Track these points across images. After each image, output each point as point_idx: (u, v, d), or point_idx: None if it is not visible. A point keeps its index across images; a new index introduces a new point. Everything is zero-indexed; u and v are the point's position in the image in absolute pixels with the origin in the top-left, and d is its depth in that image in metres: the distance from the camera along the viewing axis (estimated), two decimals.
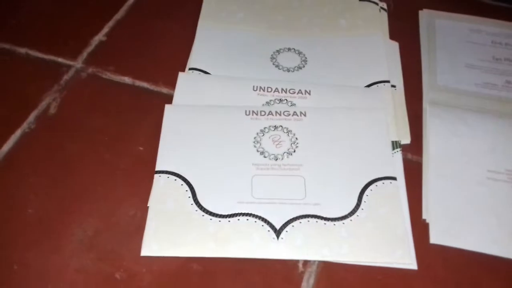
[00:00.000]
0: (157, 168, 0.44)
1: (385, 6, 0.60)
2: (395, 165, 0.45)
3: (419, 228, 0.42)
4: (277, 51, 0.55)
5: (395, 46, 0.56)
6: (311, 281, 0.39)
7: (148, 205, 0.42)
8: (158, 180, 0.43)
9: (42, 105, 0.49)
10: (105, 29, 0.57)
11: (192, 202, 0.42)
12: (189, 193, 0.43)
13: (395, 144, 0.46)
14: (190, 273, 0.39)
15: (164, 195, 0.43)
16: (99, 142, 0.47)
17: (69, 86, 0.51)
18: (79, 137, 0.47)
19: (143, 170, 0.44)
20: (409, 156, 0.47)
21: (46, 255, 0.39)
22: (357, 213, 0.42)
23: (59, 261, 0.39)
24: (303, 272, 0.40)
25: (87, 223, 0.41)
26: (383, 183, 0.44)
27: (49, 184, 0.44)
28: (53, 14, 0.58)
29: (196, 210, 0.42)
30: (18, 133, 0.47)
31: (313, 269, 0.40)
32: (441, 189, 0.44)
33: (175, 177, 0.44)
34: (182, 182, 0.43)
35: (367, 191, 0.43)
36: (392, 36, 0.57)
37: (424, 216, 0.43)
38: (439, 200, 0.44)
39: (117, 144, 0.47)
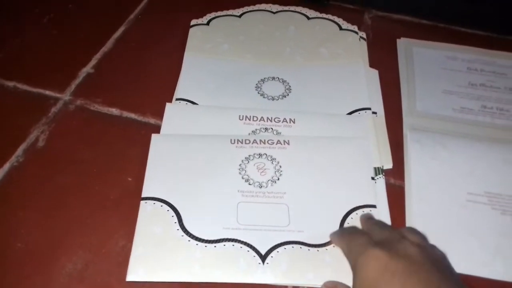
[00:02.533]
0: (143, 195, 0.45)
1: (364, 35, 0.62)
2: (377, 192, 0.46)
3: None
4: (262, 80, 0.56)
5: (375, 73, 0.58)
6: None
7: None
8: (145, 207, 0.44)
9: (31, 138, 0.50)
10: (93, 61, 0.58)
11: (178, 227, 0.43)
12: (175, 219, 0.43)
13: (377, 170, 0.48)
14: None
15: (150, 221, 0.43)
16: (88, 174, 0.47)
17: (57, 119, 0.52)
18: (68, 169, 0.47)
19: (132, 201, 0.45)
20: (392, 181, 0.48)
21: None
22: None
23: None
24: None
25: (77, 256, 0.41)
26: (363, 211, 0.45)
27: (39, 217, 0.44)
28: (41, 47, 0.59)
29: (182, 236, 0.42)
30: (6, 166, 0.47)
31: None
32: (423, 213, 0.45)
33: (161, 203, 0.44)
34: (168, 208, 0.44)
35: (348, 219, 0.44)
36: (372, 64, 0.59)
37: None
38: (422, 224, 0.44)
39: (106, 175, 0.47)
